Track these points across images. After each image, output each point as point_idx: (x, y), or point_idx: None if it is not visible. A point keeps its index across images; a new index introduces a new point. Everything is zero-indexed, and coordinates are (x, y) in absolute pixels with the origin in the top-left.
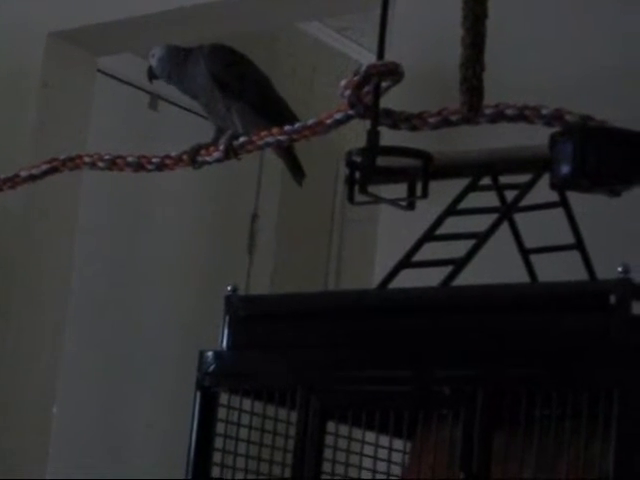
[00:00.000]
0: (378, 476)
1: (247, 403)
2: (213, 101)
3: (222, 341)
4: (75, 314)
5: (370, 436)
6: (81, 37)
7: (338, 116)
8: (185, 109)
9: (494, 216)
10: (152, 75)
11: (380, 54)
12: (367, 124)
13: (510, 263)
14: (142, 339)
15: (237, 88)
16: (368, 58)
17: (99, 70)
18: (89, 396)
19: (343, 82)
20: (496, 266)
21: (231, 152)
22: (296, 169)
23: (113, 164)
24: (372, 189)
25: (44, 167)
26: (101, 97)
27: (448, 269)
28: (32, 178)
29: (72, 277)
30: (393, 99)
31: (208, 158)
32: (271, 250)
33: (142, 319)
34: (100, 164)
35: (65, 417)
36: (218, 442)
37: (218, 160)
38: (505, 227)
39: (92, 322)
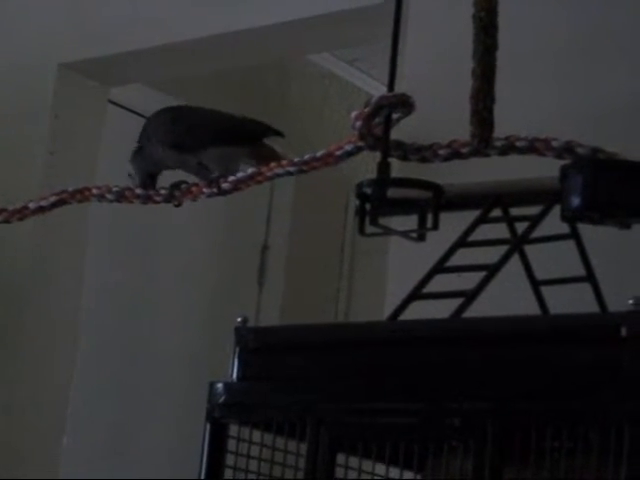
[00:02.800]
0: None
1: (257, 435)
2: (184, 164)
3: (232, 372)
4: (84, 344)
5: (380, 468)
6: (92, 68)
7: (348, 147)
8: None
9: (505, 248)
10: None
11: (391, 86)
12: (377, 155)
13: (521, 295)
14: (152, 370)
15: (193, 140)
16: (378, 89)
17: (110, 101)
18: (98, 427)
19: (354, 113)
20: (507, 298)
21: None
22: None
23: (121, 196)
24: (383, 221)
25: (53, 199)
26: (112, 127)
27: (459, 301)
28: (41, 210)
29: (81, 307)
30: (404, 130)
31: (216, 190)
32: (281, 281)
33: (152, 350)
34: (108, 196)
35: (75, 449)
36: (228, 474)
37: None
38: (516, 259)
39: (101, 353)
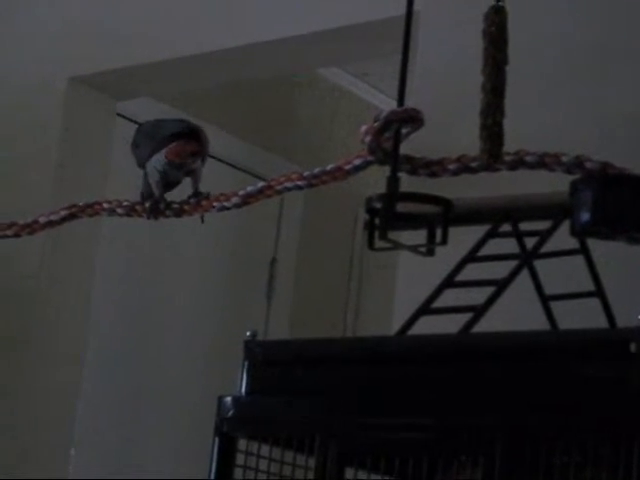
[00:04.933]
0: None
1: (265, 449)
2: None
3: (241, 386)
4: (92, 357)
5: None
6: (101, 82)
7: (357, 162)
8: None
9: (514, 263)
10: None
11: (400, 100)
12: (386, 169)
13: (530, 310)
14: (160, 383)
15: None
16: (387, 103)
17: (118, 114)
18: (107, 440)
19: (363, 128)
20: (516, 313)
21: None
22: None
23: (132, 210)
24: (392, 235)
25: (63, 213)
26: (120, 141)
27: (468, 316)
28: (51, 224)
29: (89, 320)
30: (413, 145)
31: (226, 203)
32: (290, 295)
33: (160, 363)
34: (119, 211)
35: (83, 461)
36: None
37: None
38: (525, 274)
39: (109, 366)
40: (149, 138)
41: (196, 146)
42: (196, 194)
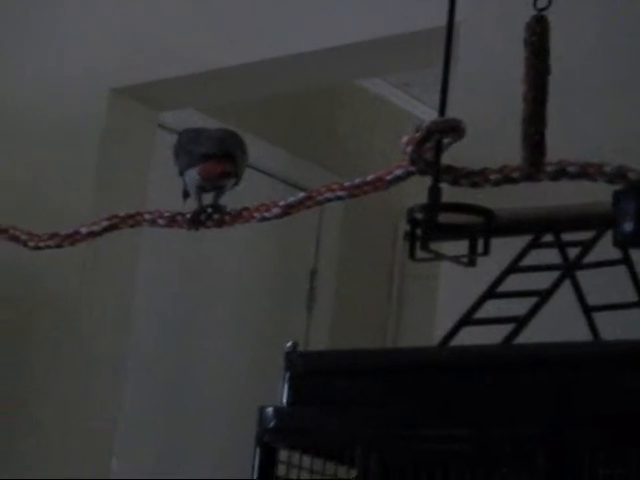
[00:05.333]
0: None
1: (306, 460)
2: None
3: (282, 397)
4: (134, 368)
5: None
6: (143, 92)
7: (398, 172)
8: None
9: (556, 273)
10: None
11: (442, 111)
12: (427, 180)
13: (572, 321)
14: (201, 395)
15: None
16: (428, 113)
17: (160, 125)
18: (147, 451)
19: (405, 138)
20: (558, 324)
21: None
22: None
23: (173, 221)
24: (433, 245)
25: (104, 224)
26: (162, 152)
27: (509, 327)
28: (92, 235)
29: (130, 331)
30: (454, 155)
31: (267, 214)
32: (330, 306)
33: (202, 375)
34: (160, 221)
35: (123, 473)
36: None
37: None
38: (567, 284)
39: (150, 377)
40: (186, 152)
41: (227, 167)
42: (214, 207)
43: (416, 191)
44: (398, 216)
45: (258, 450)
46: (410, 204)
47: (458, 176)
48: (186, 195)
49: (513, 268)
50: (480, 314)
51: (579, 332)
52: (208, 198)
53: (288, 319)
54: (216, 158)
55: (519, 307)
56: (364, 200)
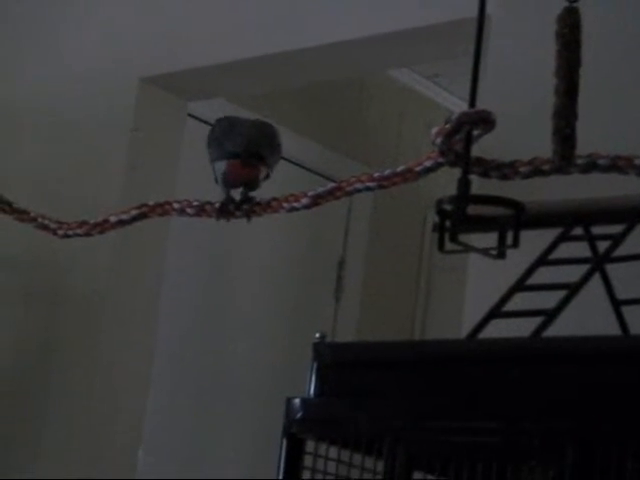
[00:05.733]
0: None
1: (334, 451)
2: None
3: (309, 388)
4: (161, 359)
5: None
6: (172, 82)
7: (428, 164)
8: None
9: (585, 266)
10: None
11: (472, 102)
12: (456, 171)
13: (601, 314)
14: (229, 384)
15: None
16: (457, 104)
17: (189, 114)
18: (174, 441)
19: (434, 130)
20: (587, 317)
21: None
22: None
23: (202, 210)
24: (462, 237)
25: (133, 212)
26: (191, 141)
27: (537, 319)
28: (121, 223)
29: (158, 320)
30: (484, 147)
31: (296, 204)
32: (358, 296)
33: (229, 364)
34: (189, 210)
35: (150, 462)
36: None
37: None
38: (596, 277)
39: (177, 367)
40: (217, 144)
41: (251, 174)
42: (243, 197)
43: (445, 182)
44: (427, 207)
45: (285, 441)
46: (439, 195)
47: (488, 168)
48: (217, 181)
49: (542, 261)
50: (508, 307)
51: (608, 326)
52: (237, 191)
53: (316, 309)
54: (242, 159)
55: (547, 300)
56: (393, 190)
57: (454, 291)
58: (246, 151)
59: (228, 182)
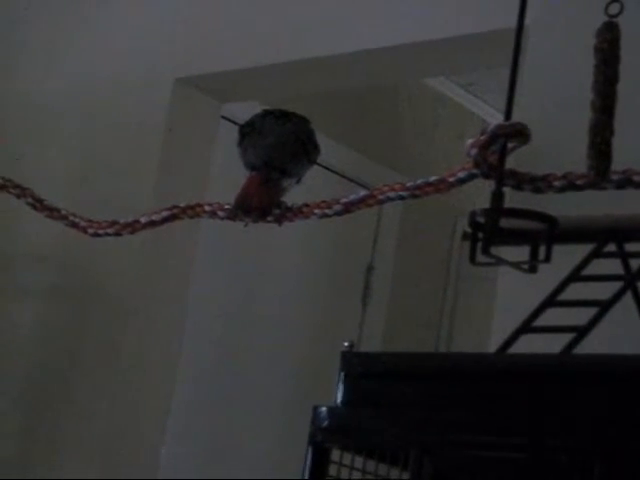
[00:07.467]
0: None
1: (359, 461)
2: None
3: (336, 397)
4: (186, 362)
5: None
6: (207, 84)
7: (462, 175)
8: None
9: (617, 283)
10: None
11: (508, 114)
12: (489, 183)
13: (632, 332)
14: (255, 391)
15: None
16: (490, 114)
17: (223, 117)
18: (197, 445)
19: (469, 141)
20: (617, 334)
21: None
22: None
23: (233, 214)
24: (493, 250)
25: (164, 214)
26: (225, 144)
27: (567, 336)
28: (152, 224)
29: (185, 324)
30: (518, 159)
31: (327, 211)
32: (385, 302)
33: (255, 371)
34: (220, 213)
35: (172, 464)
36: None
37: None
38: (628, 295)
39: (203, 373)
40: (244, 148)
41: (263, 200)
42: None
43: (476, 192)
44: (457, 216)
45: (310, 449)
46: (469, 203)
47: (521, 181)
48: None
49: (574, 277)
50: (538, 322)
51: (638, 344)
52: None
53: (343, 314)
54: (257, 178)
55: (577, 316)
56: (423, 199)
57: (481, 300)
58: (266, 163)
59: (243, 198)
